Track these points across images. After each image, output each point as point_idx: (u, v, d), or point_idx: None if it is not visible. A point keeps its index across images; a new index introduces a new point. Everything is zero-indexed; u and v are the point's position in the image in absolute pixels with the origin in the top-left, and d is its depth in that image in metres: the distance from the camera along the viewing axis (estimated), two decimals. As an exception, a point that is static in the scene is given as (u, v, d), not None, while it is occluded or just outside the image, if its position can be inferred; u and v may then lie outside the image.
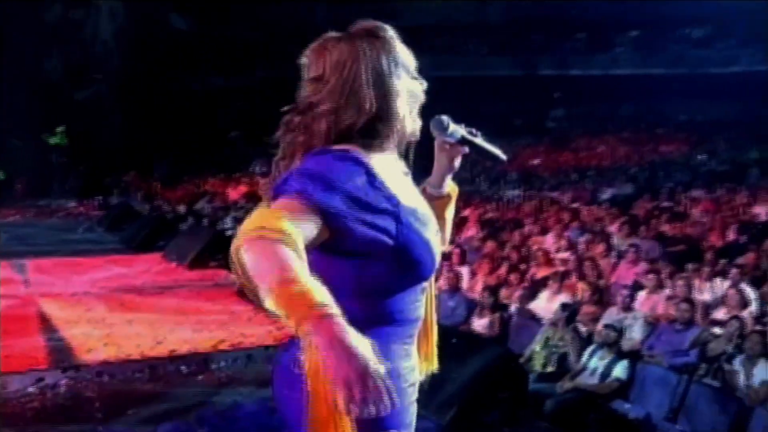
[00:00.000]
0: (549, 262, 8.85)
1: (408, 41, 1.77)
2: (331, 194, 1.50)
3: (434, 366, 1.90)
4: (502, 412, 3.82)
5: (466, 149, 1.92)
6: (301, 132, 1.66)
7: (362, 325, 1.36)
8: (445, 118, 1.88)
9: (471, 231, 12.48)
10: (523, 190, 17.24)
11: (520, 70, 26.31)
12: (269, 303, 1.30)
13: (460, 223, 13.24)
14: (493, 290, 7.70)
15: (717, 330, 6.24)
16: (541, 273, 8.45)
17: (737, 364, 5.63)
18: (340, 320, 1.28)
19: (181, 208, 15.84)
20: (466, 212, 14.46)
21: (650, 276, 7.93)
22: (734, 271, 7.79)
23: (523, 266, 8.82)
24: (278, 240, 1.33)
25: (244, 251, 1.34)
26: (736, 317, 6.14)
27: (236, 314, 6.48)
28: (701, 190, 15.77)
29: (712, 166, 20.23)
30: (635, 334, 6.79)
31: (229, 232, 11.97)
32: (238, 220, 13.80)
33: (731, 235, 10.94)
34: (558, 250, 9.80)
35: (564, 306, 6.90)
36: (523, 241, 10.40)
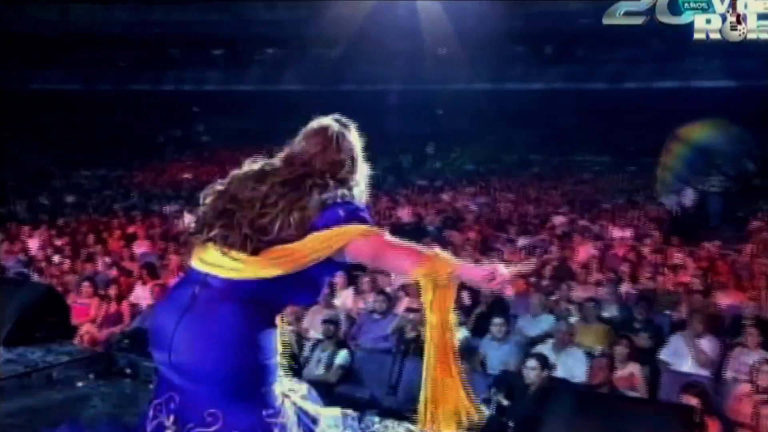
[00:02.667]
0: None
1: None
2: None
3: None
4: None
5: None
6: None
7: None
8: None
9: (144, 247, 12.47)
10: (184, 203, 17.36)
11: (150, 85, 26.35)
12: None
13: (130, 239, 13.11)
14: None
15: (411, 316, 7.34)
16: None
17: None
18: None
19: None
20: (132, 229, 14.31)
21: (339, 275, 8.88)
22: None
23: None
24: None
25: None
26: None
27: None
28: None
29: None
30: (341, 326, 7.65)
31: None
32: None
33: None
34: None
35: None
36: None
